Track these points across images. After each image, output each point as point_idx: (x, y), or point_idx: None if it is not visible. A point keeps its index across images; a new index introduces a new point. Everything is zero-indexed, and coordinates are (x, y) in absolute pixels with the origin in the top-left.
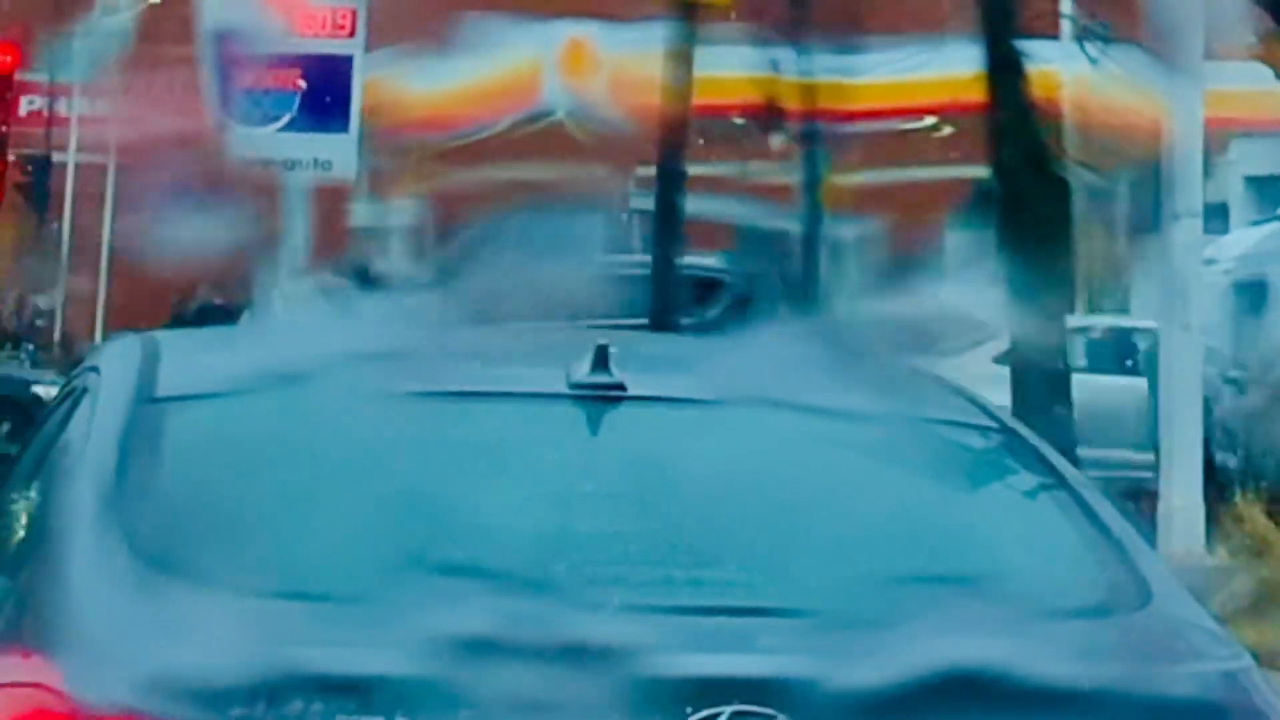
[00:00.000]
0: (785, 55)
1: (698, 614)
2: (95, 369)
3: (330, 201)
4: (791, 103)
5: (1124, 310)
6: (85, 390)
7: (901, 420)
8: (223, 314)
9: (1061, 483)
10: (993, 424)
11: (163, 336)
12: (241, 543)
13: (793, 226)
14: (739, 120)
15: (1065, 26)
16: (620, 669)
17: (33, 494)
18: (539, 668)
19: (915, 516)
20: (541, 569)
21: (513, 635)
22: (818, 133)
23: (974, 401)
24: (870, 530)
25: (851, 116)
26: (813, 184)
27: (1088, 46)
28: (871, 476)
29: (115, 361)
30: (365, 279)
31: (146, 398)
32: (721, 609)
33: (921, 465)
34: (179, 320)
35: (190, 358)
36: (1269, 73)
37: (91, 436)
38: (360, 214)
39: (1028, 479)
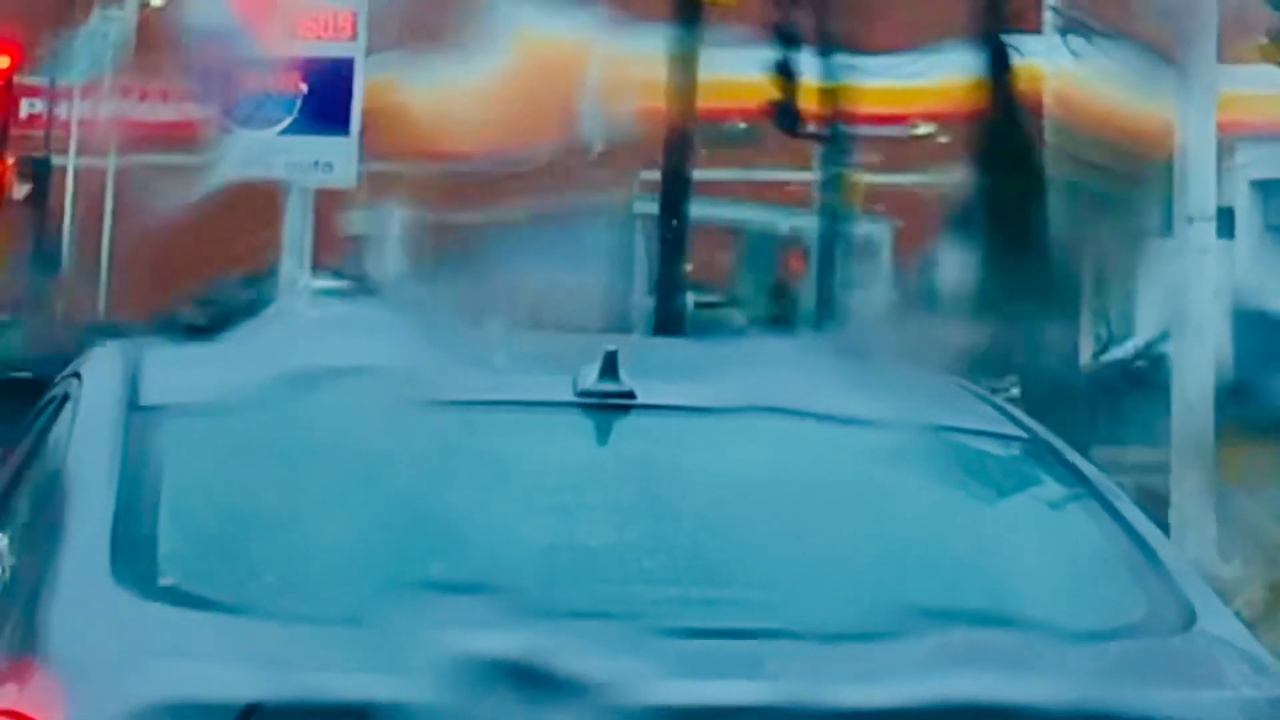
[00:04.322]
0: (790, 57)
1: (710, 637)
2: (77, 375)
3: (330, 207)
4: (802, 104)
5: (1130, 314)
6: (66, 398)
7: (924, 430)
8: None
9: (1096, 496)
10: (1022, 433)
11: (148, 343)
12: (235, 560)
13: (804, 229)
14: (742, 125)
15: (1049, 21)
16: (628, 694)
17: (11, 506)
18: (543, 692)
19: (939, 532)
20: (548, 588)
21: (518, 658)
22: (834, 134)
23: (1001, 409)
24: (892, 547)
25: (851, 120)
26: (829, 185)
27: (1070, 41)
28: (893, 490)
29: (98, 368)
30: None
31: (131, 406)
32: (735, 631)
33: (946, 477)
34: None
35: (177, 365)
36: (1276, 76)
37: (73, 446)
38: (358, 219)
39: (1059, 492)
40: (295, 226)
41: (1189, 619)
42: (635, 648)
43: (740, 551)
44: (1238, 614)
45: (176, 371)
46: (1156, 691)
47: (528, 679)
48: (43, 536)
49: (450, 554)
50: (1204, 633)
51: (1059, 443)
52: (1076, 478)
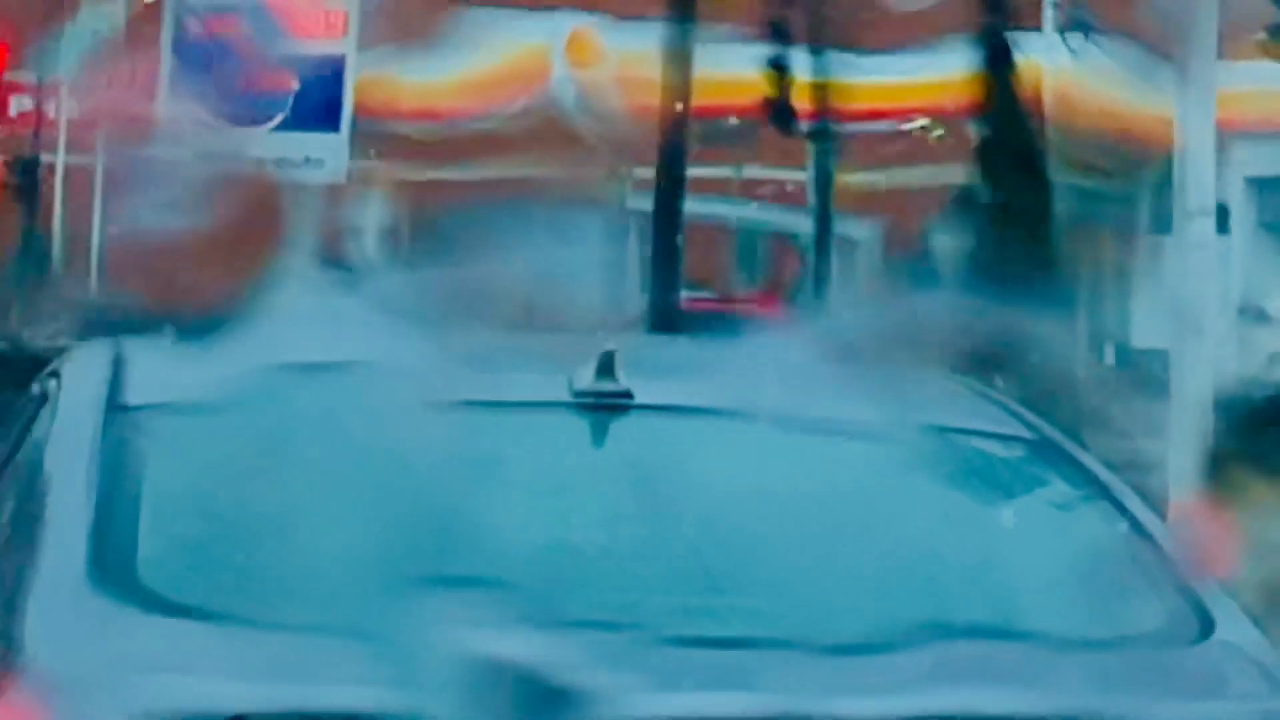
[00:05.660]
0: (784, 54)
1: (707, 646)
2: (56, 375)
3: (327, 202)
4: (796, 102)
5: (1126, 314)
6: (45, 398)
7: (928, 430)
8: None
9: (1109, 498)
10: (1030, 435)
11: (131, 341)
12: (218, 567)
13: (798, 228)
14: (735, 120)
15: (1048, 19)
16: (619, 706)
17: None
18: (536, 703)
19: (945, 538)
20: (545, 594)
21: (511, 668)
22: (827, 132)
23: (1009, 409)
24: (895, 553)
25: (847, 118)
26: (822, 184)
27: (1069, 38)
28: (897, 492)
29: (77, 367)
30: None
31: (110, 406)
32: (734, 641)
33: (951, 481)
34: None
35: (160, 363)
36: (1271, 73)
37: (50, 449)
38: (353, 213)
39: (1070, 495)
40: (297, 222)
41: (1207, 628)
42: (629, 657)
43: (740, 557)
44: (1256, 621)
45: (159, 370)
46: (1172, 704)
47: (520, 689)
48: (18, 543)
49: (443, 559)
50: (1222, 642)
51: (1068, 442)
52: (1087, 479)
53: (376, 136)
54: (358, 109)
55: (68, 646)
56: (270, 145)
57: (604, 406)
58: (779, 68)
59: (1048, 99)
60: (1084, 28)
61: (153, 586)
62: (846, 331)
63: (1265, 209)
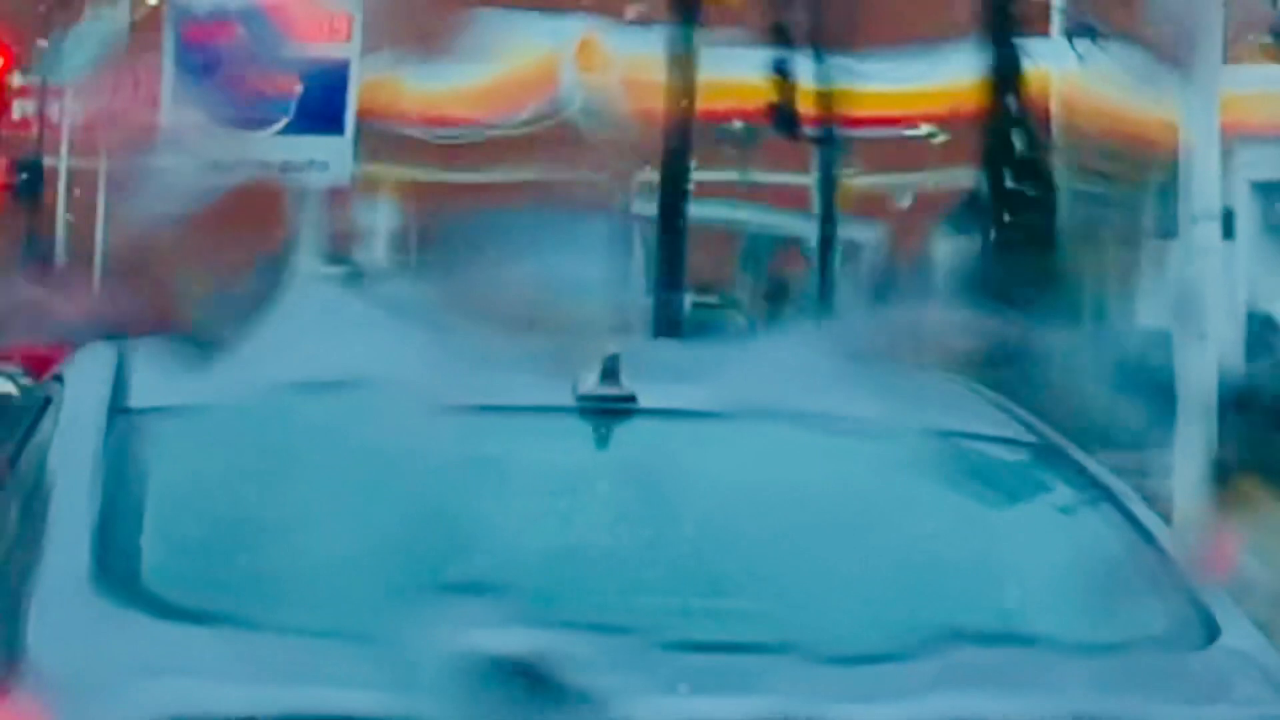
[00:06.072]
0: (789, 59)
1: (711, 650)
2: (59, 378)
3: (331, 206)
4: (801, 107)
5: (1131, 318)
6: (48, 401)
7: (932, 434)
8: None
9: (1113, 503)
10: (1035, 439)
11: (135, 343)
12: (222, 570)
13: (803, 231)
14: (739, 124)
15: (1056, 24)
16: (623, 710)
17: None
18: (540, 707)
19: (947, 542)
20: (549, 599)
21: (515, 673)
22: (831, 136)
23: (1011, 413)
24: (899, 557)
25: (852, 123)
26: (827, 188)
27: (1076, 44)
28: (901, 497)
29: (82, 370)
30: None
31: (114, 409)
32: (740, 644)
33: (954, 485)
34: None
35: (164, 366)
36: (1276, 77)
37: (53, 452)
38: (358, 217)
39: (1074, 499)
40: (304, 224)
41: (1212, 633)
42: (633, 661)
43: (744, 562)
44: (1261, 627)
45: (163, 373)
46: (1176, 709)
47: (526, 693)
48: (22, 546)
49: (447, 563)
50: (1227, 647)
51: (1072, 447)
52: (1091, 484)
53: (382, 140)
54: (363, 113)
55: (71, 650)
56: (274, 149)
57: (608, 411)
58: (784, 72)
59: (1054, 104)
60: (1090, 33)
61: (156, 590)
62: (851, 335)
63: (1271, 213)
